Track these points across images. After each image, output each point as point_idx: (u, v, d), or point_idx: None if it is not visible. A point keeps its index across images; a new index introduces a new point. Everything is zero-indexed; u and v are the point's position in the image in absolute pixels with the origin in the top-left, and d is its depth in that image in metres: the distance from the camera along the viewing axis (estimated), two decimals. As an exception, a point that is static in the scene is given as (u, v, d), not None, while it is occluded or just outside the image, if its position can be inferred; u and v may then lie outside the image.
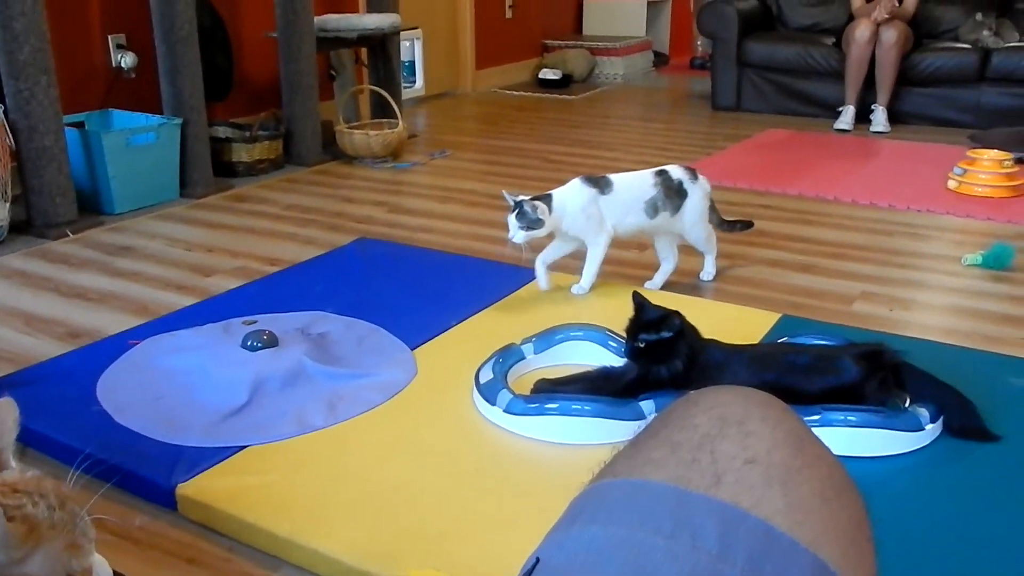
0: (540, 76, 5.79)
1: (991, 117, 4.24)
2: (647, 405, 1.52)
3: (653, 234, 2.22)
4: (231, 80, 3.68)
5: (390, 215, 2.98)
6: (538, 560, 0.56)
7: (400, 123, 3.74)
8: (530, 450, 1.49)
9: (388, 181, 3.44)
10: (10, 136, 2.66)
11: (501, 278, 2.18)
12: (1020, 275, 2.38)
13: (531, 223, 1.98)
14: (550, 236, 2.08)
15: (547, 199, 2.02)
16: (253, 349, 1.76)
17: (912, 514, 1.31)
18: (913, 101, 4.43)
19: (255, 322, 1.92)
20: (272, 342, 1.78)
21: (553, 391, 1.60)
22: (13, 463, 0.84)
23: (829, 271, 2.43)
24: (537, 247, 2.11)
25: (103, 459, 1.39)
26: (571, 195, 2.06)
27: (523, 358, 1.75)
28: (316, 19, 3.67)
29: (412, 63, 5.06)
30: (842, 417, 1.45)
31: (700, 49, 6.84)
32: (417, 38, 4.98)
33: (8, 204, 2.68)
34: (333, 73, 4.08)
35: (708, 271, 2.33)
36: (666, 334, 1.54)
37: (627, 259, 2.47)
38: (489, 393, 1.59)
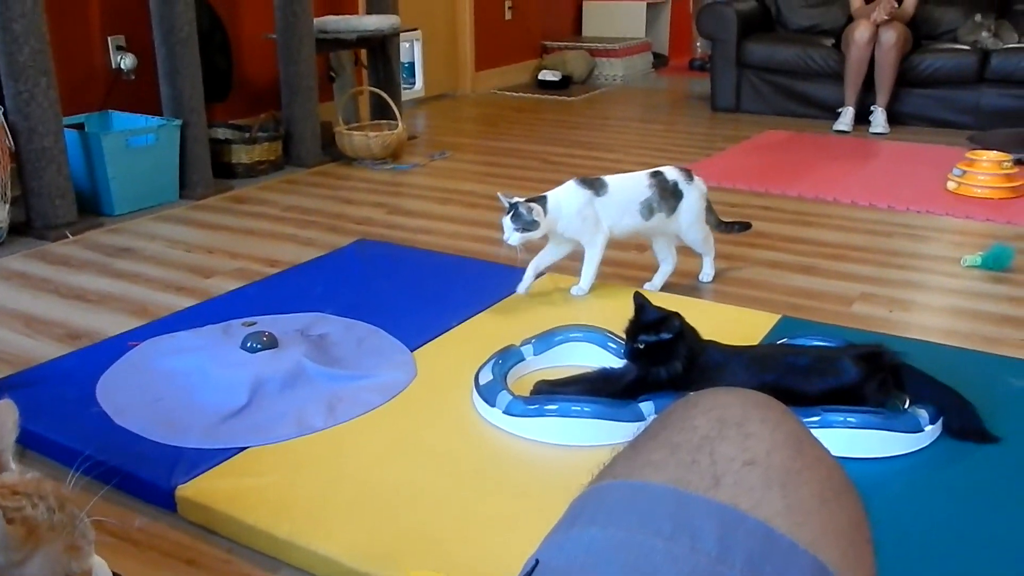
0: (539, 77, 5.79)
1: (990, 118, 4.24)
2: (646, 406, 1.52)
3: (650, 235, 2.22)
4: (231, 81, 3.68)
5: (390, 216, 2.98)
6: (537, 562, 0.56)
7: (400, 124, 3.74)
8: (529, 451, 1.49)
9: (387, 182, 3.44)
10: (10, 138, 2.66)
11: (501, 279, 2.18)
12: (1019, 276, 2.38)
13: (526, 225, 1.98)
14: (544, 239, 2.08)
15: (542, 201, 2.02)
16: (253, 350, 1.76)
17: (911, 515, 1.31)
18: (912, 102, 4.43)
19: (255, 323, 1.92)
20: (272, 343, 1.78)
21: (552, 392, 1.60)
22: (13, 465, 0.84)
23: (829, 272, 2.43)
24: (533, 249, 2.11)
25: (103, 461, 1.39)
26: (566, 197, 2.06)
27: (523, 359, 1.75)
28: (315, 20, 3.67)
29: (412, 64, 5.06)
30: (842, 418, 1.45)
31: (699, 50, 6.84)
32: (416, 39, 4.98)
33: (8, 206, 2.68)
34: (333, 75, 4.08)
35: (707, 272, 2.33)
36: (665, 335, 1.54)
37: (626, 260, 2.47)
38: (489, 394, 1.59)
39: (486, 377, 1.64)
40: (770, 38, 4.84)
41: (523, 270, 2.11)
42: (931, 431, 1.49)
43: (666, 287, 2.24)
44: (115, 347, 1.86)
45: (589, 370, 1.69)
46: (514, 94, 5.53)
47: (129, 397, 1.64)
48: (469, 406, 1.62)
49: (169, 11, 3.04)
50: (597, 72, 6.12)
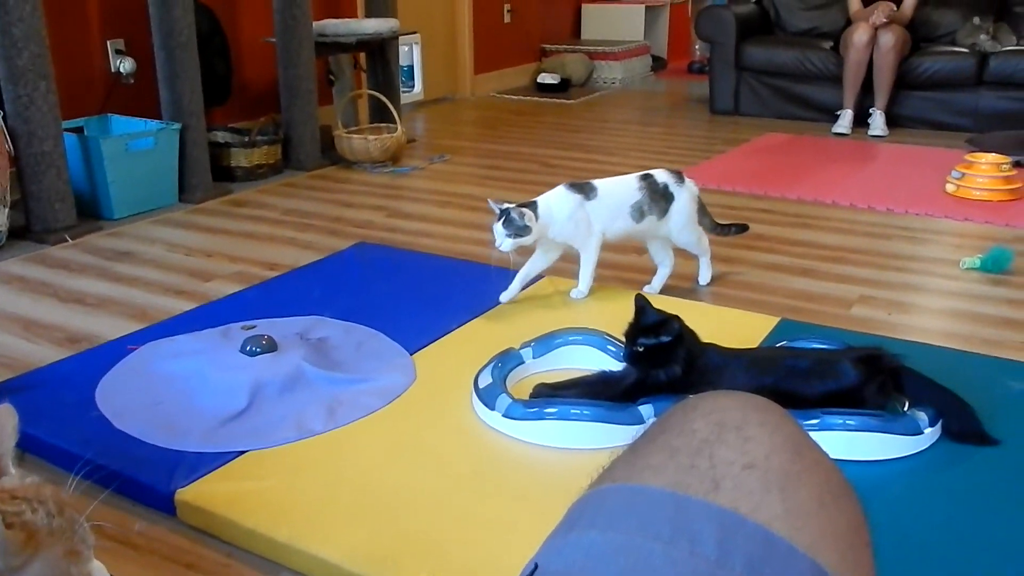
0: (539, 80, 5.80)
1: (989, 121, 4.25)
2: (646, 409, 1.52)
3: (643, 238, 2.22)
4: (230, 85, 3.69)
5: (389, 219, 2.98)
6: (536, 566, 0.56)
7: (399, 128, 3.74)
8: (529, 454, 1.49)
9: (387, 186, 3.44)
10: (9, 142, 2.66)
11: (500, 283, 2.18)
12: (1018, 278, 2.38)
13: (518, 230, 1.98)
14: (534, 246, 2.07)
15: (532, 206, 2.01)
16: (252, 354, 1.76)
17: (911, 518, 1.31)
18: (911, 105, 4.43)
19: (254, 327, 1.92)
20: (271, 347, 1.78)
21: (552, 395, 1.60)
22: (12, 469, 0.84)
23: (828, 275, 2.43)
24: (526, 254, 2.10)
25: (102, 465, 1.40)
26: (557, 202, 2.05)
27: (522, 362, 1.75)
28: (315, 24, 3.68)
29: (411, 68, 5.06)
30: (841, 421, 1.45)
31: (698, 53, 6.85)
32: (416, 43, 4.98)
33: (7, 209, 2.68)
34: (332, 78, 4.09)
35: (704, 274, 2.33)
36: (665, 338, 1.54)
37: (625, 263, 2.47)
38: (488, 397, 1.59)
39: (485, 380, 1.64)
40: (769, 41, 4.85)
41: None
42: (930, 434, 1.49)
43: (665, 289, 2.24)
44: (114, 351, 1.86)
45: (588, 373, 1.69)
46: (513, 97, 5.54)
47: (128, 401, 1.64)
48: (468, 409, 1.62)
49: (168, 15, 3.04)
50: (596, 75, 6.13)
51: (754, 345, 1.80)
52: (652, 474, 0.57)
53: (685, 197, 2.17)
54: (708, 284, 2.32)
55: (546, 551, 0.57)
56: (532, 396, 1.61)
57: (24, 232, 2.75)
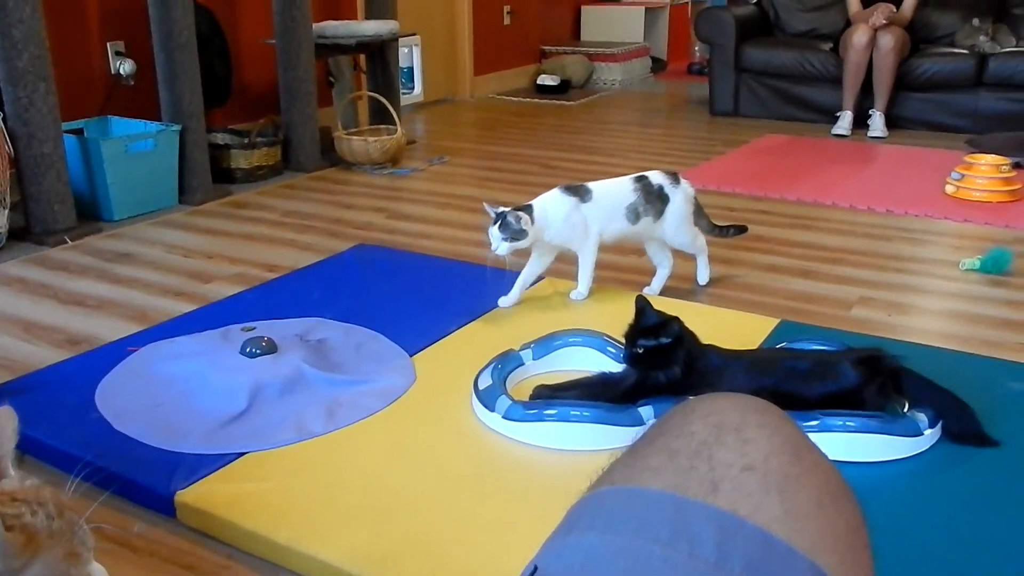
0: (538, 82, 5.80)
1: (988, 122, 4.25)
2: (646, 411, 1.52)
3: (640, 240, 2.22)
4: (230, 87, 3.69)
5: (389, 221, 2.98)
6: (536, 568, 0.56)
7: (399, 129, 3.74)
8: (528, 456, 1.49)
9: (387, 187, 3.44)
10: (9, 143, 2.66)
11: (500, 284, 2.18)
12: (1018, 279, 2.39)
13: (515, 234, 1.98)
14: (530, 248, 2.07)
15: (528, 210, 2.01)
16: (252, 356, 1.76)
17: (910, 519, 1.31)
18: (910, 106, 4.44)
19: (254, 328, 1.92)
20: (271, 348, 1.78)
21: (552, 397, 1.60)
22: (12, 471, 0.84)
23: (828, 276, 2.43)
24: (523, 256, 2.10)
25: (102, 466, 1.40)
26: (552, 205, 2.05)
27: (522, 364, 1.75)
28: (314, 26, 3.68)
29: (410, 69, 5.07)
30: (841, 422, 1.45)
31: (698, 55, 6.85)
32: (415, 44, 4.98)
33: (7, 211, 2.68)
34: (332, 80, 4.09)
35: (703, 273, 2.33)
36: (664, 340, 1.54)
37: (624, 264, 2.47)
38: (488, 399, 1.59)
39: (485, 381, 1.64)
40: (768, 42, 4.85)
41: (518, 274, 2.11)
42: (930, 435, 1.49)
43: (665, 291, 2.24)
44: (114, 352, 1.86)
45: (588, 374, 1.69)
46: (513, 99, 5.54)
47: (128, 402, 1.64)
48: (468, 411, 1.62)
49: (168, 16, 3.05)
50: (596, 76, 6.13)
51: (754, 346, 1.80)
52: (651, 476, 0.57)
53: (680, 198, 2.17)
54: (708, 285, 2.32)
55: (545, 553, 0.57)
56: (532, 397, 1.61)
57: (24, 234, 2.75)
